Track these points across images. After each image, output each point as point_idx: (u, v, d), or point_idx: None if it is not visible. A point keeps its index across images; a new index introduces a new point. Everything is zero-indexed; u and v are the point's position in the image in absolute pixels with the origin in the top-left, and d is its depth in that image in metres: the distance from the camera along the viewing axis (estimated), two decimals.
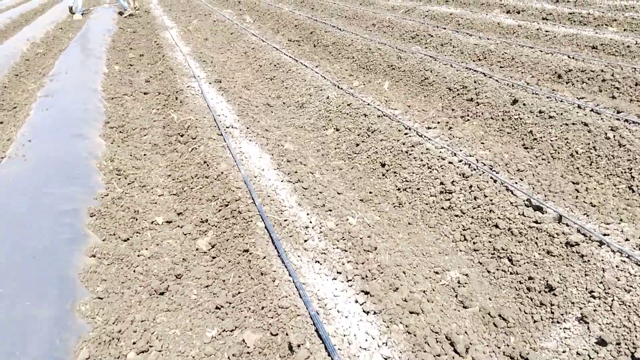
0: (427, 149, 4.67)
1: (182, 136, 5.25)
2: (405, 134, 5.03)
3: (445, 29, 9.37)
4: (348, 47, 9.08)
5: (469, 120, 5.59)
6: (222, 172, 4.26)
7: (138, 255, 3.42)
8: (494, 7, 11.60)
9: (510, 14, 10.80)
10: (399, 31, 10.13)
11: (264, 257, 3.16)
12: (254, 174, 4.43)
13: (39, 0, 20.85)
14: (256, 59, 8.70)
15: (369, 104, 5.85)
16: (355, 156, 5.11)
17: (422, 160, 4.55)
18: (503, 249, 3.41)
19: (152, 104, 6.64)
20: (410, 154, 4.69)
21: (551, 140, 4.71)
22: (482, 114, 5.56)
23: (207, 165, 4.51)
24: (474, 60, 7.51)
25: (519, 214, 3.56)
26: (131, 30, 12.74)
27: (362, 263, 3.21)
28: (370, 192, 4.48)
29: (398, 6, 13.69)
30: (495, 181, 3.99)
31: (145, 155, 5.06)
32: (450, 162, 4.38)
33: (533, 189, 3.99)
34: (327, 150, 5.33)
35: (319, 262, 3.26)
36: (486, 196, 3.85)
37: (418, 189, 4.33)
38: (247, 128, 5.51)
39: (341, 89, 6.43)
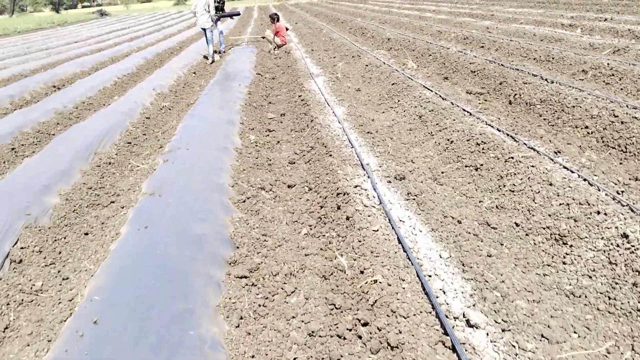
0: None
1: (365, 325, 2.70)
2: None
3: None
4: (572, 111, 6.16)
5: None
6: None
7: None
8: None
9: None
10: (633, 84, 7.01)
11: None
12: None
13: (179, 37, 20.33)
14: (439, 127, 6.08)
15: None
16: None
17: None
18: None
19: (301, 212, 4.25)
20: None
21: None
22: None
23: None
24: None
25: None
26: (270, 76, 10.85)
27: None
28: None
29: (598, 45, 10.45)
30: None
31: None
32: None
33: None
34: None
35: None
36: None
37: None
38: (504, 329, 2.78)
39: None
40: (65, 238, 4.11)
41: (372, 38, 16.13)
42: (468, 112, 6.36)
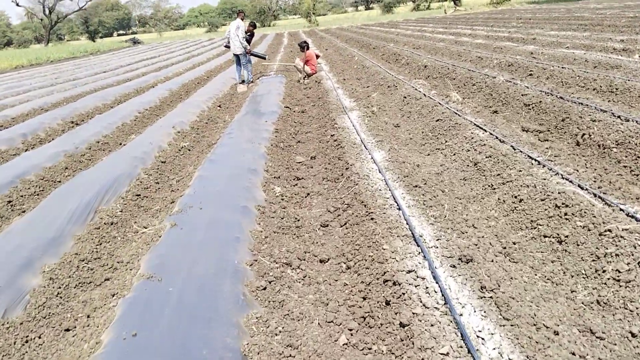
0: None
1: None
2: None
3: None
4: None
5: None
6: None
7: None
8: None
9: None
10: None
11: None
12: None
13: (207, 66, 19.84)
14: (501, 178, 5.05)
15: None
16: None
17: None
18: None
19: (338, 304, 3.27)
20: None
21: None
22: None
23: None
24: None
25: None
26: (299, 109, 10.03)
27: None
28: None
29: None
30: None
31: None
32: None
33: None
34: None
35: None
36: None
37: None
38: None
39: None
40: (40, 337, 3.24)
41: (407, 65, 15.24)
42: (536, 160, 5.32)
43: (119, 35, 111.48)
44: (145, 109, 11.41)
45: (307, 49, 13.79)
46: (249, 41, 13.83)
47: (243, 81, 13.92)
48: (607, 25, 20.64)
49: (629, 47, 13.17)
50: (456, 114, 7.63)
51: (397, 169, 5.71)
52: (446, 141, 6.67)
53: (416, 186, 5.04)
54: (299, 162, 6.43)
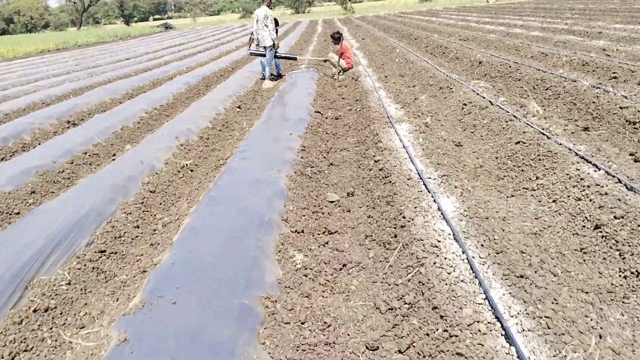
0: None
1: None
2: None
3: None
4: None
5: None
6: None
7: None
8: None
9: None
10: None
11: None
12: None
13: (234, 56, 18.17)
14: (632, 255, 3.18)
15: None
16: None
17: None
18: None
19: None
20: None
21: None
22: None
23: None
24: None
25: None
26: (333, 114, 8.24)
27: None
28: None
29: None
30: None
31: None
32: None
33: None
34: None
35: None
36: None
37: None
38: None
39: None
40: None
41: (457, 60, 13.23)
42: None
43: (154, 20, 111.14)
44: (154, 107, 9.80)
45: (341, 40, 11.94)
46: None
47: (274, 75, 12.22)
48: None
49: None
50: (542, 134, 5.70)
51: (479, 230, 3.85)
52: (537, 177, 4.77)
53: (521, 276, 3.17)
54: (332, 202, 4.66)
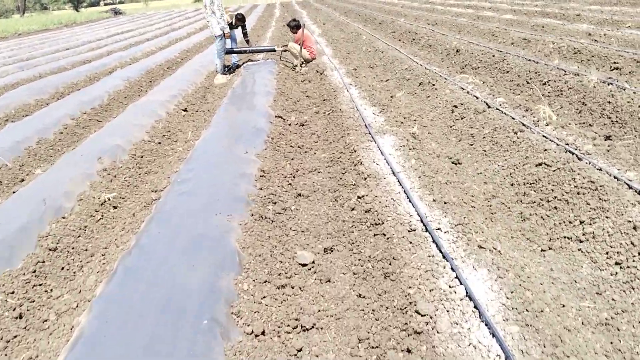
0: None
1: None
2: None
3: None
4: None
5: None
6: None
7: None
8: None
9: None
10: None
11: None
12: None
13: (185, 44, 16.42)
14: None
15: None
16: None
17: None
18: None
19: None
20: None
21: None
22: None
23: None
24: None
25: None
26: (297, 119, 6.84)
27: None
28: None
29: None
30: None
31: None
32: None
33: None
34: None
35: None
36: None
37: None
38: None
39: None
40: None
41: (430, 47, 11.96)
42: None
43: (106, 4, 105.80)
44: (83, 112, 8.18)
45: (299, 28, 10.49)
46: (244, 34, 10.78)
47: (229, 67, 10.73)
48: None
49: None
50: (571, 152, 4.46)
51: (538, 339, 2.54)
52: (581, 221, 3.51)
53: None
54: (303, 265, 3.29)
